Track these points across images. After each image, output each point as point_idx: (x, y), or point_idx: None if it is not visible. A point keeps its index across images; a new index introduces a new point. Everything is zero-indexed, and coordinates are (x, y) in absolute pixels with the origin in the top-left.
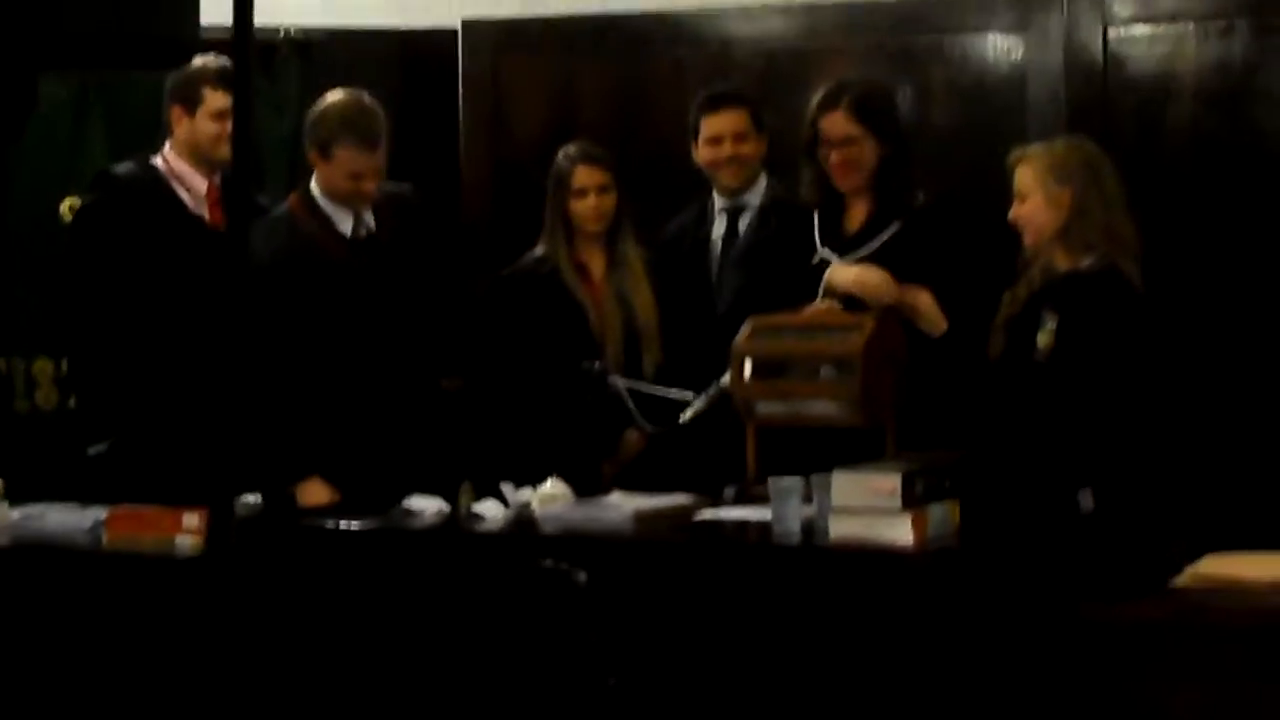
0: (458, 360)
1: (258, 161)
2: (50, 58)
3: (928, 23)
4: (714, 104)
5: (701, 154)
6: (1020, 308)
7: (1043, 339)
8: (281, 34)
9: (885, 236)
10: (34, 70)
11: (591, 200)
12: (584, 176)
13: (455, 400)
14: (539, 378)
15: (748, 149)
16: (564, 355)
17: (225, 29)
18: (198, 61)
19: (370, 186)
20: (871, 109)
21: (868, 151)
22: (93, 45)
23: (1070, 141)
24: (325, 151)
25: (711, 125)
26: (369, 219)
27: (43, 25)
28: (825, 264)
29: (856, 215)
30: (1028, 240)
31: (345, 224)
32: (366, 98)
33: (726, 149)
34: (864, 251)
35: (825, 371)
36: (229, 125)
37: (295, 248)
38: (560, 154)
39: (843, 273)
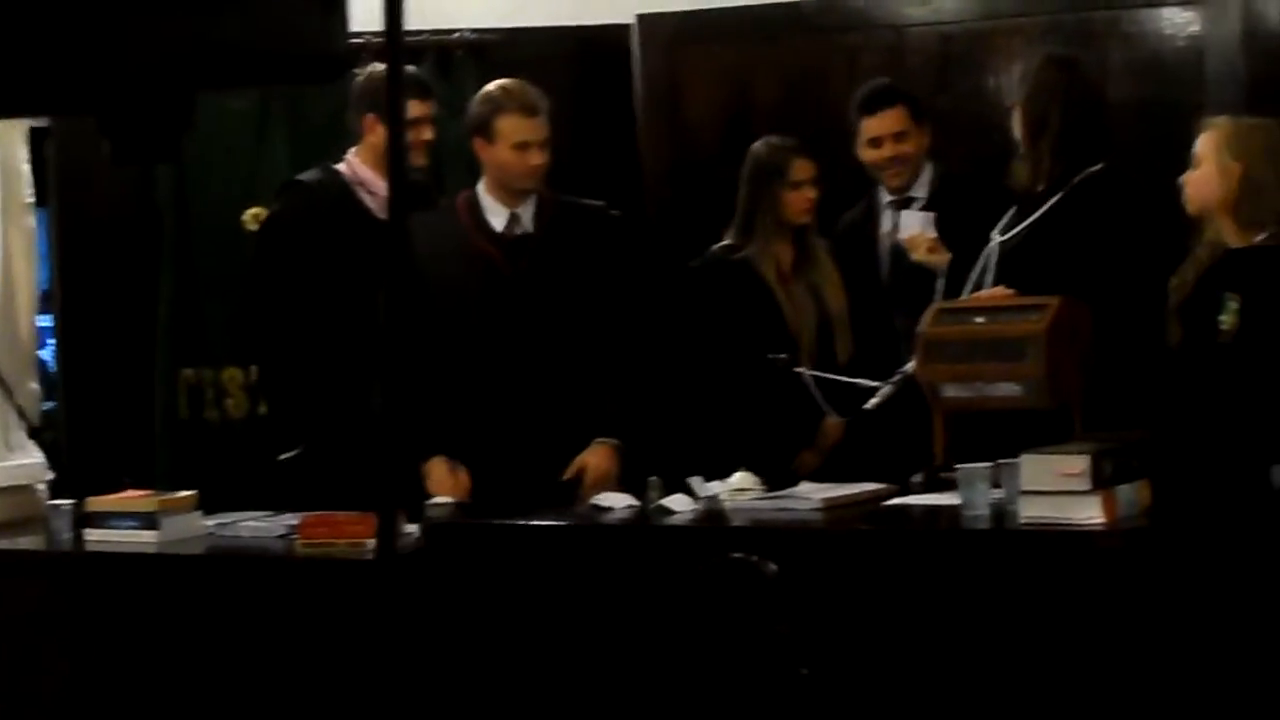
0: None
1: (437, 164)
2: (201, 76)
3: None
4: (871, 105)
5: (863, 154)
6: (1191, 290)
7: (1227, 320)
8: (456, 36)
9: (1045, 208)
10: (188, 89)
11: (808, 192)
12: (802, 169)
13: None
14: (729, 369)
15: (908, 147)
16: (755, 346)
17: (410, 34)
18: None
19: (538, 161)
20: (1022, 77)
21: (1015, 118)
22: (243, 61)
23: (1257, 121)
24: (487, 131)
25: (870, 127)
26: (526, 218)
27: (192, 43)
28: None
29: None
30: (1190, 206)
31: (499, 221)
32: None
33: (887, 150)
34: (1026, 224)
35: (1010, 353)
36: (423, 132)
37: (447, 242)
38: (763, 145)
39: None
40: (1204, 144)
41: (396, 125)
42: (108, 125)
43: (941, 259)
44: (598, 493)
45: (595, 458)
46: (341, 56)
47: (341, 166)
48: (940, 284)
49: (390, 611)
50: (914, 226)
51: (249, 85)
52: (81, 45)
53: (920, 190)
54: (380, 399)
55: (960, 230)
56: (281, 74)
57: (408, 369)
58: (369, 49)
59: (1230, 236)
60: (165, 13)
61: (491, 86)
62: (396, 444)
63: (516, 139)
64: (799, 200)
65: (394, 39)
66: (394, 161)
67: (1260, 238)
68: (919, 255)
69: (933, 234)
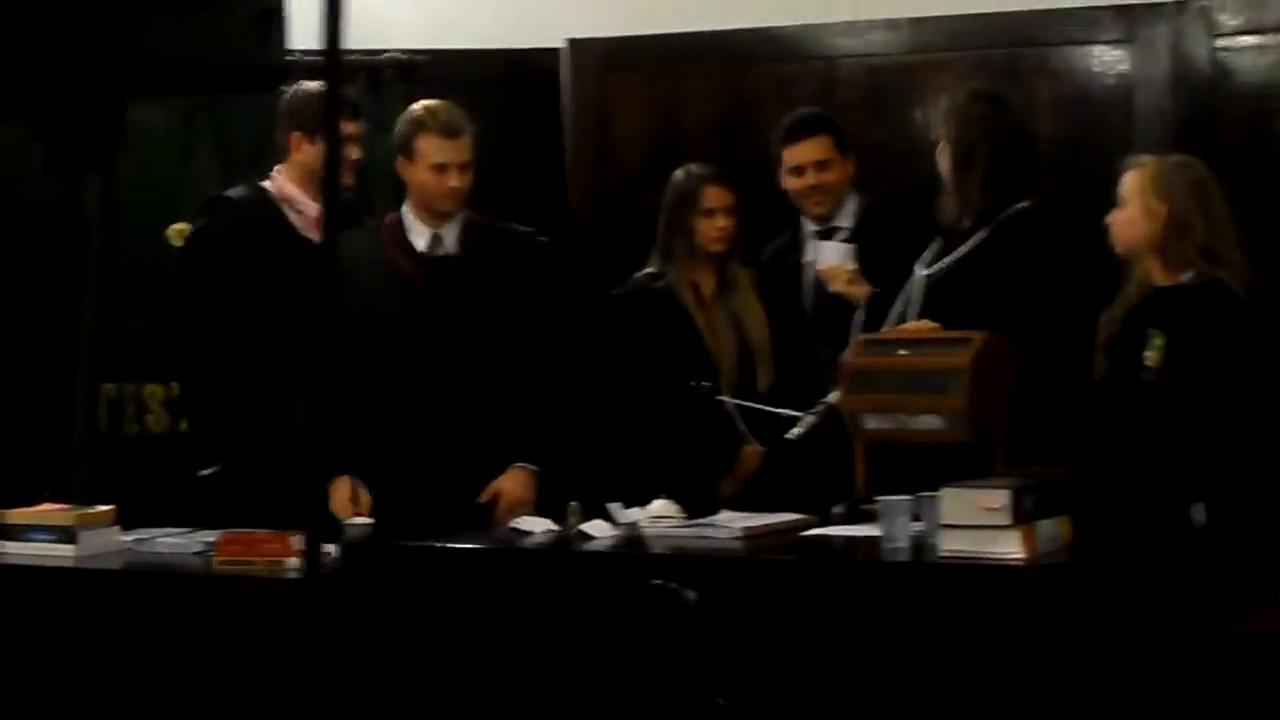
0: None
1: (364, 183)
2: (137, 85)
3: (1033, 36)
4: (794, 133)
5: (786, 182)
6: (1119, 327)
7: (1151, 357)
8: (385, 56)
9: (971, 243)
10: (122, 97)
11: (720, 221)
12: (714, 197)
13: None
14: (650, 396)
15: (831, 176)
16: (676, 373)
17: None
18: (315, 86)
19: (456, 183)
20: (948, 112)
21: (941, 153)
22: (180, 72)
23: (1182, 159)
24: (408, 151)
25: (793, 155)
26: (450, 239)
27: (129, 52)
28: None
29: (961, 227)
30: (1118, 247)
31: (421, 241)
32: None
33: (809, 178)
34: (951, 258)
35: (933, 386)
36: (351, 152)
37: (370, 261)
38: (682, 172)
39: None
40: (1129, 184)
41: (333, 143)
42: (41, 131)
43: (860, 291)
44: (512, 518)
45: (511, 483)
46: (278, 68)
47: (268, 184)
48: (859, 316)
49: (315, 631)
50: (833, 258)
51: (184, 94)
52: (16, 50)
53: (845, 220)
54: (307, 417)
55: (885, 262)
56: (217, 84)
57: (332, 387)
58: (297, 67)
59: (1158, 275)
60: (101, 21)
61: (416, 107)
62: (322, 462)
63: (435, 160)
64: (710, 229)
65: (333, 58)
66: (329, 179)
67: (1187, 276)
68: (838, 286)
69: (852, 265)
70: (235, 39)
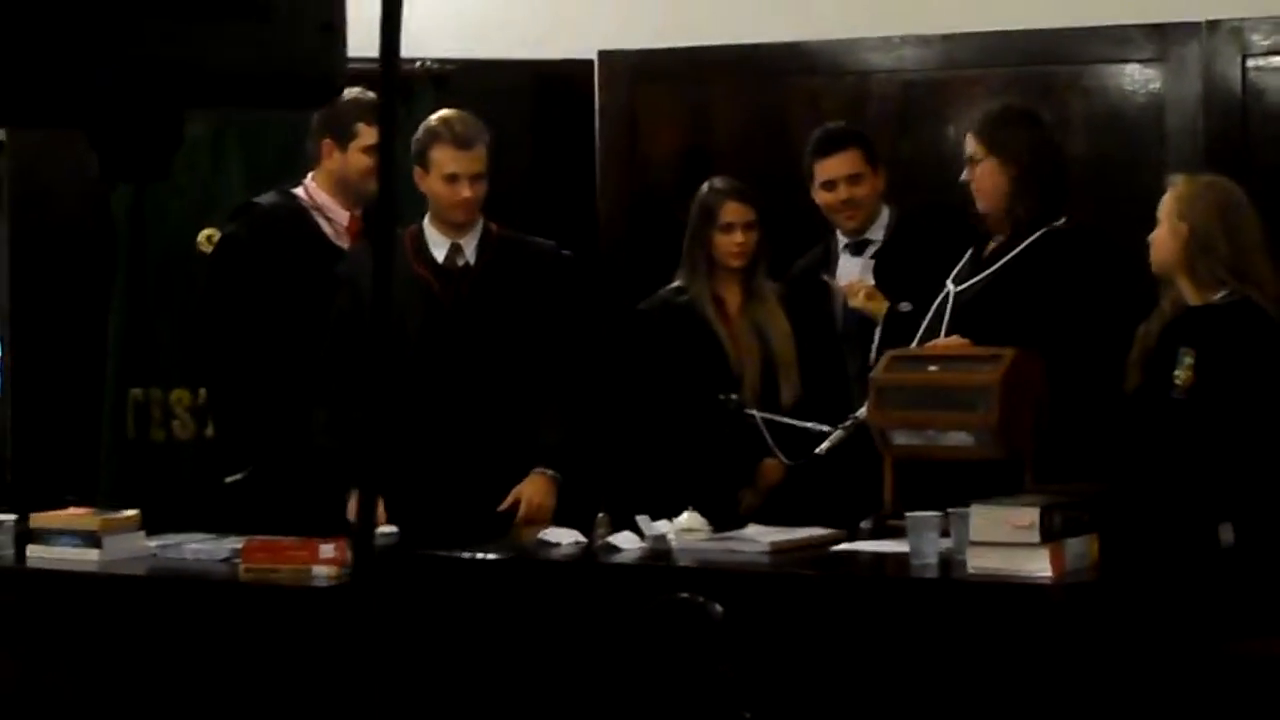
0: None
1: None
2: (195, 95)
3: (1065, 54)
4: (825, 148)
5: (818, 197)
6: (1154, 342)
7: (1181, 375)
8: (418, 66)
9: (1004, 261)
10: (180, 107)
11: (738, 236)
12: (733, 212)
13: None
14: (676, 410)
15: (863, 190)
16: (701, 387)
17: (367, 60)
18: (349, 95)
19: (468, 194)
20: (994, 130)
21: (989, 173)
22: (238, 83)
23: (1209, 178)
24: (424, 161)
25: (824, 169)
26: (469, 250)
27: (187, 62)
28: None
29: (991, 245)
30: (1153, 266)
31: (440, 251)
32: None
33: (842, 192)
34: (984, 275)
35: (963, 402)
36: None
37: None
38: (705, 186)
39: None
40: (1163, 202)
41: (386, 158)
42: (97, 141)
43: (879, 306)
44: (533, 524)
45: (532, 488)
46: (336, 83)
47: (299, 191)
48: (878, 331)
49: (359, 639)
50: (852, 272)
51: (242, 106)
52: (75, 58)
53: (877, 233)
54: (362, 426)
55: (917, 276)
56: (275, 97)
57: (388, 398)
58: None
59: (1189, 295)
60: (160, 29)
61: (432, 117)
62: (376, 471)
63: (447, 170)
64: (727, 244)
65: (389, 69)
66: (383, 192)
67: (1219, 295)
68: (856, 302)
69: (870, 280)
70: (296, 52)
